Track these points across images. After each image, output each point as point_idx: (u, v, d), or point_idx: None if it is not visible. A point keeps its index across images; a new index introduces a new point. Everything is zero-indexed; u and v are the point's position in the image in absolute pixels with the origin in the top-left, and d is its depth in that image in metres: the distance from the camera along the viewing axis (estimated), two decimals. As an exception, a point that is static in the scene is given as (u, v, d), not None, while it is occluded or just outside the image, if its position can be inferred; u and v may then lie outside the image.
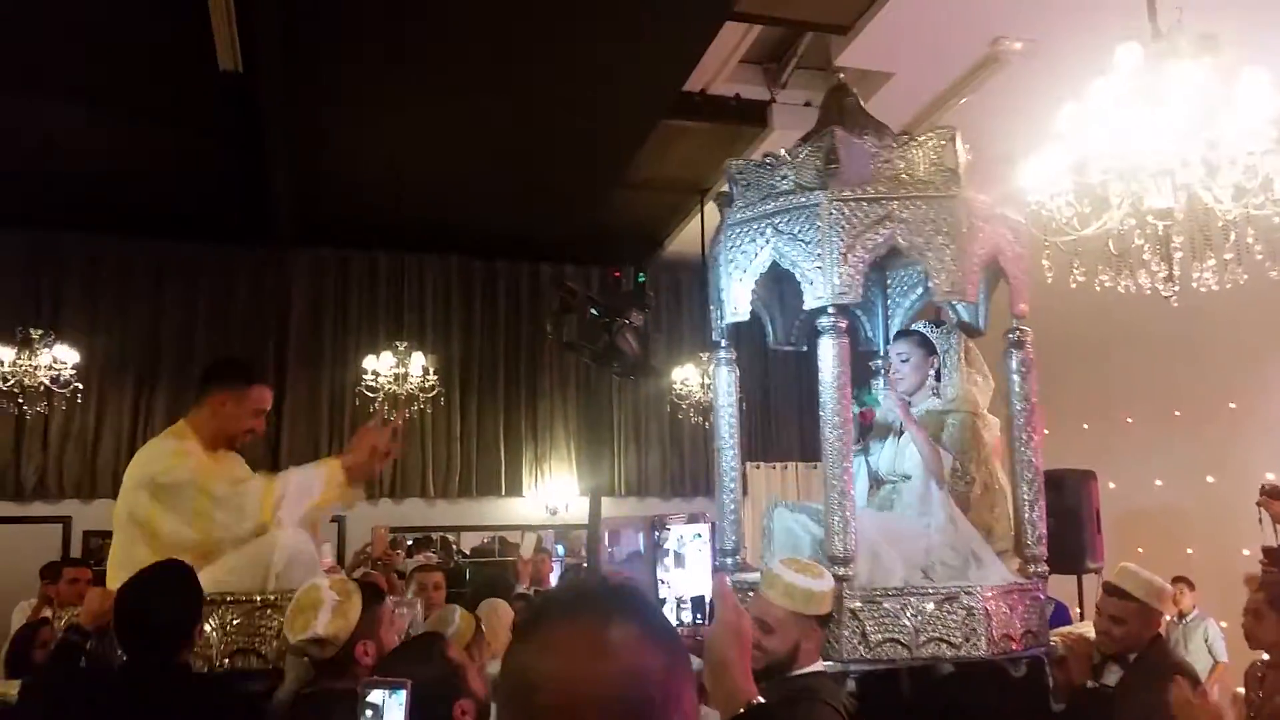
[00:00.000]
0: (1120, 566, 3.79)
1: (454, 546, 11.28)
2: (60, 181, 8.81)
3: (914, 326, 4.12)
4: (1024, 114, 4.65)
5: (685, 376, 10.34)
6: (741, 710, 1.56)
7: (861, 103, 3.86)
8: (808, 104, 7.82)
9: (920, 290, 4.17)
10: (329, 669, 2.71)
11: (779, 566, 2.92)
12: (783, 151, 3.53)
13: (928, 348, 3.93)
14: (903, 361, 3.89)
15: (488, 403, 11.43)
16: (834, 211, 3.28)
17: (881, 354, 4.27)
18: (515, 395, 11.54)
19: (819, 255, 3.28)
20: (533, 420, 11.55)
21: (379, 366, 9.45)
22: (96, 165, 8.54)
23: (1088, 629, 3.88)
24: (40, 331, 8.89)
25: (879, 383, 4.21)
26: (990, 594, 3.26)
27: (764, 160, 3.58)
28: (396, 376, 9.40)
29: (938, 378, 3.93)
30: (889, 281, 4.30)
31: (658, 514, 11.37)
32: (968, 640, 3.20)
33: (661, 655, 0.99)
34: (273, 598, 3.11)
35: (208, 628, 3.04)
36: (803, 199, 3.36)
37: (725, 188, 3.79)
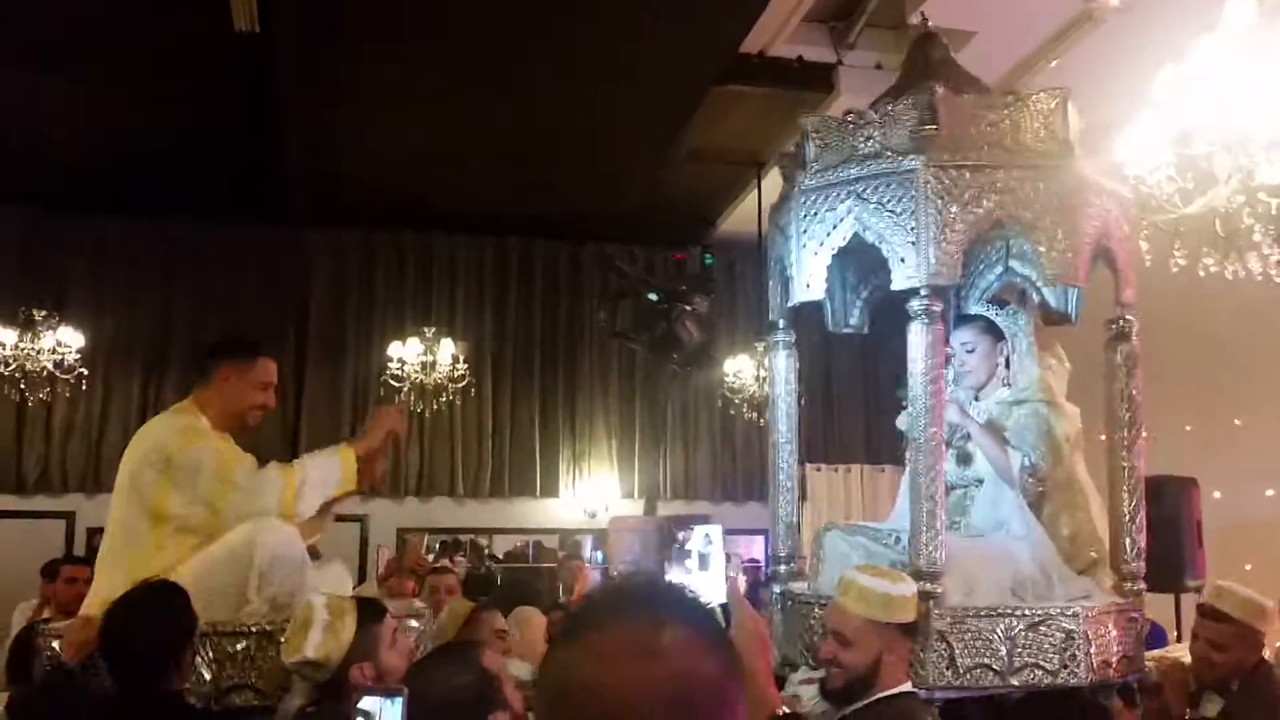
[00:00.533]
0: (1214, 585, 3.73)
1: (486, 550, 11.37)
2: (66, 155, 8.99)
3: (974, 310, 4.00)
4: (1120, 78, 4.58)
5: (738, 369, 10.31)
6: None
7: (953, 55, 3.76)
8: (879, 66, 7.75)
9: (1000, 269, 4.06)
10: (328, 692, 2.75)
11: (853, 571, 2.92)
12: (868, 109, 3.42)
13: (995, 334, 3.83)
14: (969, 352, 3.78)
15: (522, 395, 11.49)
16: (931, 179, 3.18)
17: (947, 343, 4.21)
18: (552, 387, 11.59)
19: (912, 229, 3.17)
20: (571, 415, 11.60)
21: (405, 354, 9.54)
22: (103, 137, 8.70)
23: (1183, 653, 3.81)
24: (44, 313, 9.09)
25: (947, 373, 4.16)
26: (1092, 615, 3.21)
27: (844, 118, 3.45)
28: (424, 365, 9.50)
29: (1007, 365, 3.83)
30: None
31: (670, 515, 11.24)
32: (1065, 667, 3.14)
33: (714, 659, 1.00)
34: (269, 628, 3.15)
35: (199, 663, 3.07)
36: (894, 164, 3.24)
37: (791, 148, 3.72)
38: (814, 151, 3.51)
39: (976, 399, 3.81)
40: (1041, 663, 3.14)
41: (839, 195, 3.34)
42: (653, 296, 2.90)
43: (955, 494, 3.72)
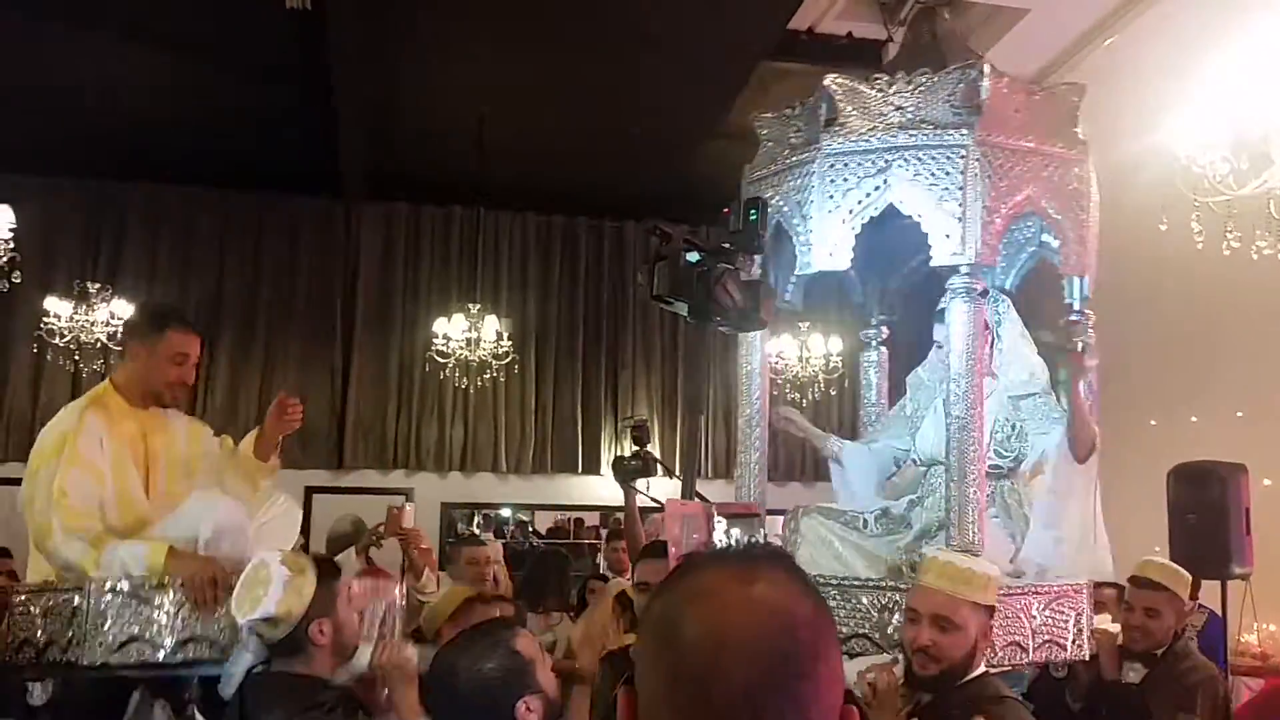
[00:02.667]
0: (1142, 560, 3.90)
1: (530, 527, 11.46)
2: (119, 129, 9.11)
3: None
4: (1177, 58, 4.51)
5: (780, 349, 10.22)
6: None
7: (998, 32, 3.71)
8: (929, 44, 7.67)
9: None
10: (282, 649, 2.72)
11: (942, 551, 2.91)
12: (900, 75, 3.28)
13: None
14: None
15: (565, 372, 11.54)
16: (981, 158, 3.09)
17: (875, 322, 4.17)
18: (595, 364, 11.62)
19: (960, 205, 3.08)
20: (613, 392, 11.63)
21: (450, 330, 9.61)
22: (157, 112, 8.80)
23: (1110, 623, 3.96)
24: (98, 285, 9.24)
25: (871, 355, 4.14)
26: (1088, 593, 3.36)
27: (873, 82, 3.31)
28: (468, 341, 9.55)
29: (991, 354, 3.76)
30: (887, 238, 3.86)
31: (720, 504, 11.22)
32: (1074, 641, 3.25)
33: (809, 604, 1.05)
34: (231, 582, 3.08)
35: (156, 614, 3.04)
36: (934, 136, 3.14)
37: (788, 110, 3.65)
38: (836, 113, 3.35)
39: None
40: (1058, 639, 3.22)
41: (874, 162, 3.20)
42: (692, 257, 2.71)
43: (913, 473, 3.69)
